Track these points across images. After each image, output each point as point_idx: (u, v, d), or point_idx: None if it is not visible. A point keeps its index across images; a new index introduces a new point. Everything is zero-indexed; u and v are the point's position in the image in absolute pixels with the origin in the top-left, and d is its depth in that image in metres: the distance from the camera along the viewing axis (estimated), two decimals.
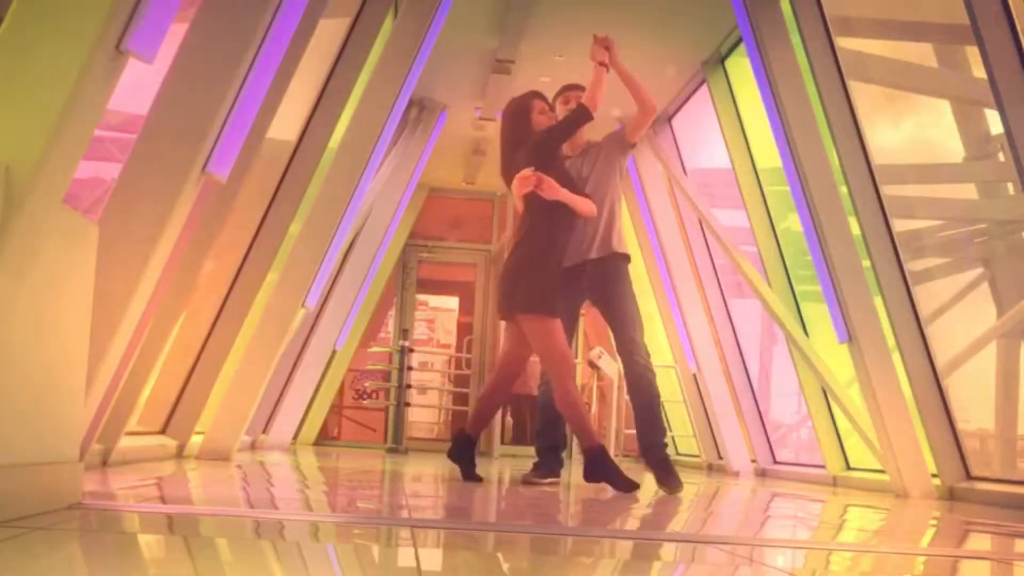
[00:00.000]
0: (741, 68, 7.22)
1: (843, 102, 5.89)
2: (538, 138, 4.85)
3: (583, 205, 4.81)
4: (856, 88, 5.99)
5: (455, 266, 12.58)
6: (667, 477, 4.89)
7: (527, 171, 4.72)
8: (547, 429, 5.23)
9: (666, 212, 8.90)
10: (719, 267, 8.73)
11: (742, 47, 6.70)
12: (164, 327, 4.18)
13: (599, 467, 4.72)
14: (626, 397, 9.38)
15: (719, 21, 6.99)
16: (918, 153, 6.69)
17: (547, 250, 4.78)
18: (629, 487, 4.66)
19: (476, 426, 5.03)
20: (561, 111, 5.14)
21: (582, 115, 4.79)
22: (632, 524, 3.45)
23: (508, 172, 4.97)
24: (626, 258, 5.17)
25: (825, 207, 5.94)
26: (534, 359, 5.13)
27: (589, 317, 10.01)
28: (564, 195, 4.74)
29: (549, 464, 5.18)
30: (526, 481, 4.98)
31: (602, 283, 5.11)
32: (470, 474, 4.93)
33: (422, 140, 9.07)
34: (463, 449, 4.98)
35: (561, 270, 4.90)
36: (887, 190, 5.91)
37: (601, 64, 4.86)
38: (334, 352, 9.74)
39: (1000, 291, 5.93)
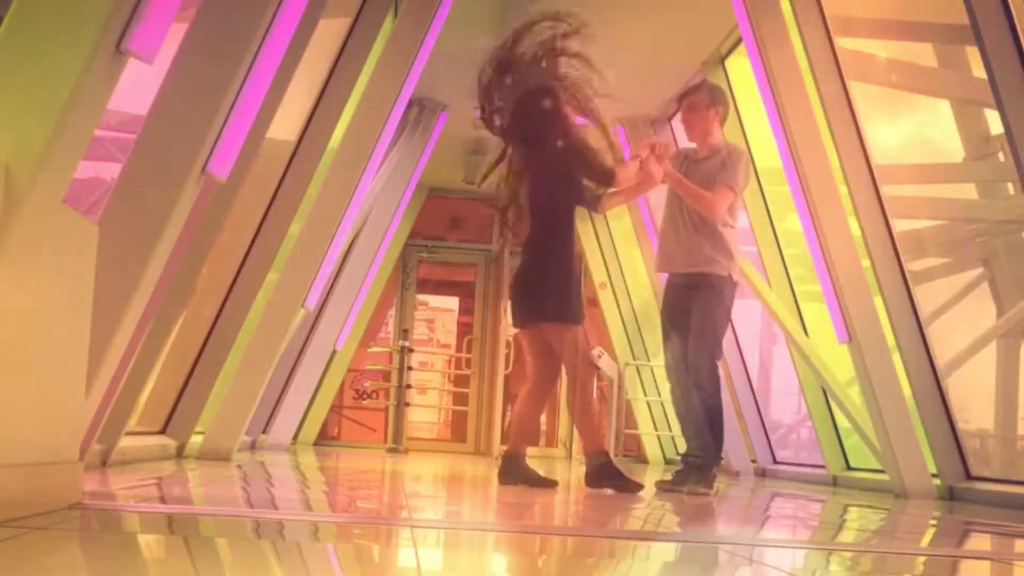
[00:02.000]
0: (741, 68, 7.21)
1: (843, 102, 5.89)
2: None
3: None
4: (856, 88, 5.99)
5: (455, 266, 12.58)
6: (698, 480, 4.90)
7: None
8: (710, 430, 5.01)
9: None
10: None
11: (742, 47, 6.69)
12: (164, 327, 4.17)
13: (602, 473, 4.72)
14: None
15: (719, 21, 6.98)
16: (918, 153, 6.70)
17: (568, 257, 4.79)
18: (634, 489, 4.66)
19: (518, 443, 4.87)
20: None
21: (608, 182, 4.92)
22: (632, 524, 3.45)
23: None
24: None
25: (825, 207, 5.94)
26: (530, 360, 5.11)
27: (588, 318, 9.99)
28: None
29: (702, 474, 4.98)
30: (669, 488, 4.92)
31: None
32: (542, 482, 4.78)
33: (422, 140, 9.06)
34: (516, 467, 4.78)
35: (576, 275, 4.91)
36: (887, 190, 5.91)
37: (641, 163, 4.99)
38: (334, 352, 9.73)
39: (1000, 291, 5.93)
